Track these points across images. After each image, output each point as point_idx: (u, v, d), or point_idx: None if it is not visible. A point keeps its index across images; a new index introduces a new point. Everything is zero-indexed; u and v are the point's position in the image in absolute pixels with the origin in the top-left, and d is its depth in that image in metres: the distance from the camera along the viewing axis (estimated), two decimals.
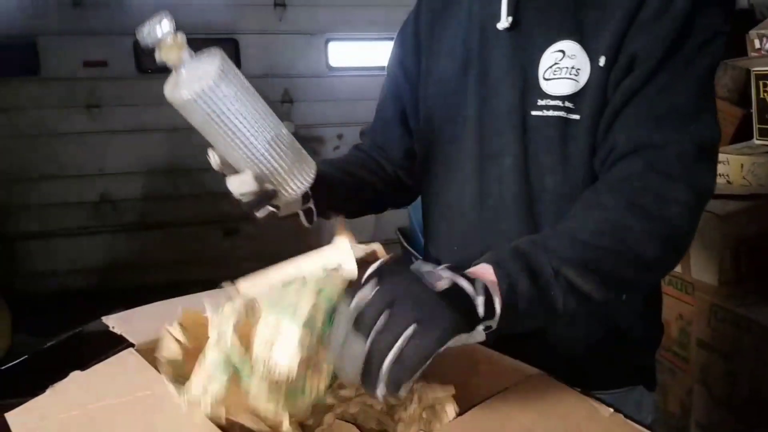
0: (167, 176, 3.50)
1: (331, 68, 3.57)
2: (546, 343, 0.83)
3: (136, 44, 3.25)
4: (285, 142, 0.75)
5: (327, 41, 3.53)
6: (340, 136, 3.68)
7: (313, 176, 0.78)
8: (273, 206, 0.80)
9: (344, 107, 3.57)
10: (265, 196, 0.77)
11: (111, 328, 0.80)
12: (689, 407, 1.62)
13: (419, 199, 1.04)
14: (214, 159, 0.76)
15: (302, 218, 0.88)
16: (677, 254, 0.75)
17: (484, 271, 0.63)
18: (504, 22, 0.84)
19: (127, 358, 0.73)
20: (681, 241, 0.74)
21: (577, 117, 0.80)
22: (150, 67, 3.32)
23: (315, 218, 0.90)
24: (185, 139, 3.43)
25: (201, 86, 0.68)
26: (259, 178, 0.75)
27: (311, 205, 0.87)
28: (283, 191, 0.77)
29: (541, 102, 0.82)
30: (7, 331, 2.53)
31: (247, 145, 0.72)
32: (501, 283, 0.62)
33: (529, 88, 0.83)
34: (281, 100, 3.52)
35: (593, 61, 0.78)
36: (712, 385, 1.56)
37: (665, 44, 0.74)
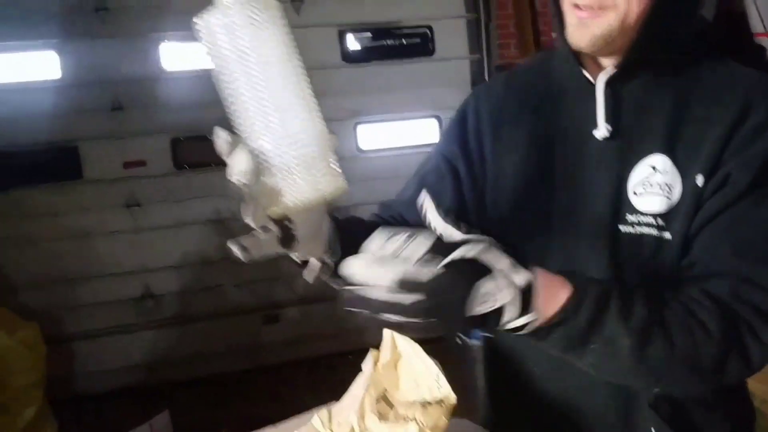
0: (205, 268, 3.53)
1: (361, 150, 3.62)
2: None
3: (174, 142, 3.36)
4: (317, 131, 0.64)
5: (356, 125, 3.59)
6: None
7: (335, 190, 0.66)
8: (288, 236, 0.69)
9: (376, 186, 3.59)
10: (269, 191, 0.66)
11: None
12: None
13: None
14: (223, 137, 0.63)
15: (316, 266, 0.76)
16: (733, 379, 0.74)
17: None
18: (603, 130, 0.80)
19: None
20: (744, 372, 0.72)
21: (668, 236, 0.77)
22: (186, 163, 3.40)
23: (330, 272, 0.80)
24: (223, 229, 3.50)
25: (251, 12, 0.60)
26: (260, 166, 0.63)
27: (328, 259, 0.75)
28: (293, 194, 0.64)
29: (631, 217, 0.79)
30: None
31: (275, 108, 0.61)
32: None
33: (619, 201, 0.79)
34: None
35: (686, 178, 0.76)
36: None
37: (759, 164, 0.72)
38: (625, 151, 0.80)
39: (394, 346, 0.83)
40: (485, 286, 0.60)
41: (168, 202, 3.41)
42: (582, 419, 0.85)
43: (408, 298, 0.58)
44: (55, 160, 3.23)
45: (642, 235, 0.78)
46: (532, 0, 3.62)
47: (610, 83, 0.80)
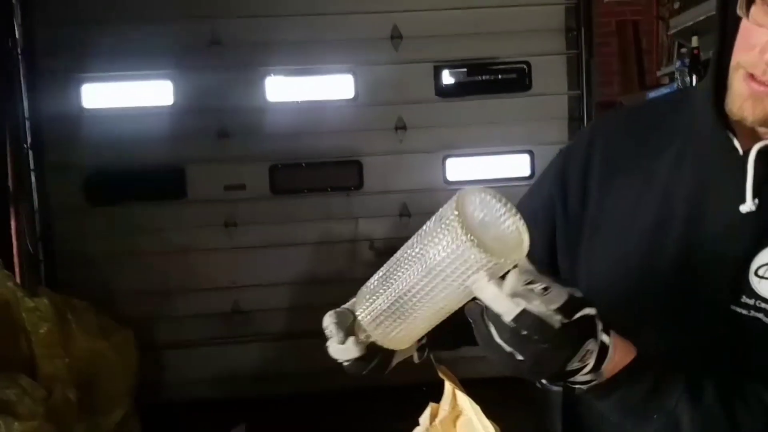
0: (294, 287, 3.65)
1: (448, 182, 3.63)
2: None
3: (272, 168, 3.53)
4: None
5: (444, 158, 3.61)
6: None
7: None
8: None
9: None
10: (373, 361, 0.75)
11: None
12: None
13: None
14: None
15: (415, 357, 0.82)
16: None
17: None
18: (750, 204, 0.72)
19: None
20: None
21: None
22: (281, 188, 3.56)
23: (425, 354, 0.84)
24: (310, 253, 3.62)
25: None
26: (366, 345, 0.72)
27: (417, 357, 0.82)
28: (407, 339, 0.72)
29: (747, 300, 0.72)
30: None
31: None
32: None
33: (739, 282, 0.72)
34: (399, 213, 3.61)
35: None
36: None
37: None
38: (762, 229, 0.72)
39: (455, 402, 0.78)
40: (590, 344, 0.62)
41: (263, 224, 3.57)
42: None
43: (529, 340, 0.60)
44: (164, 180, 3.49)
45: (757, 321, 0.71)
46: (637, 37, 3.49)
47: (760, 154, 0.73)
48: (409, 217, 3.61)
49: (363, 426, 2.92)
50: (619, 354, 0.64)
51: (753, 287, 0.71)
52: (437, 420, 0.79)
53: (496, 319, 0.61)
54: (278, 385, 3.52)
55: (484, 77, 3.55)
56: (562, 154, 0.92)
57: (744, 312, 0.71)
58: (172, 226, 3.52)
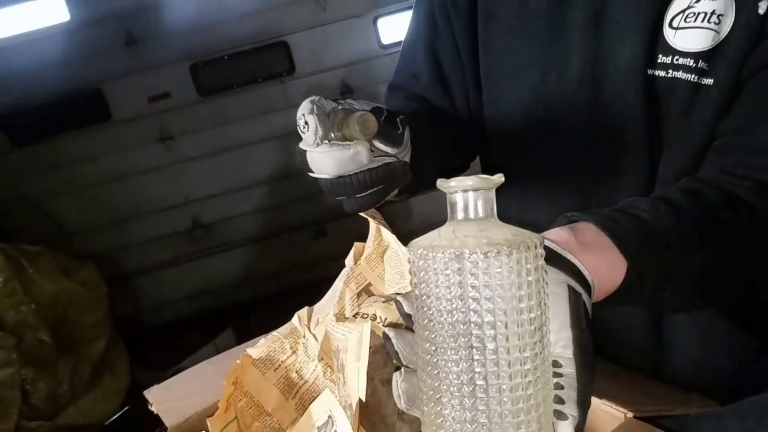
0: (248, 191, 3.54)
1: (384, 47, 3.44)
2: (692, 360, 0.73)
3: (193, 68, 3.29)
4: None
5: (375, 19, 3.41)
6: None
7: None
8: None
9: None
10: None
11: (150, 406, 0.77)
12: None
13: None
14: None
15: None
16: None
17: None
18: None
19: None
20: None
21: (709, 82, 0.62)
22: (210, 88, 3.34)
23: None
24: (258, 152, 3.47)
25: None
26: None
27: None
28: None
29: (664, 59, 0.64)
30: (126, 371, 2.64)
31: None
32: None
33: (654, 40, 0.64)
34: (341, 92, 3.46)
35: (741, 3, 0.60)
36: None
37: None
38: None
39: (380, 238, 0.75)
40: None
41: (200, 131, 3.39)
42: (614, 322, 0.76)
43: None
44: (82, 105, 3.23)
45: (675, 80, 0.63)
46: None
47: None
48: (352, 93, 3.46)
49: None
50: (603, 265, 0.52)
51: (668, 41, 0.63)
52: (362, 258, 0.74)
53: None
54: (254, 289, 3.49)
55: None
56: None
57: (661, 74, 0.64)
58: (105, 151, 3.31)
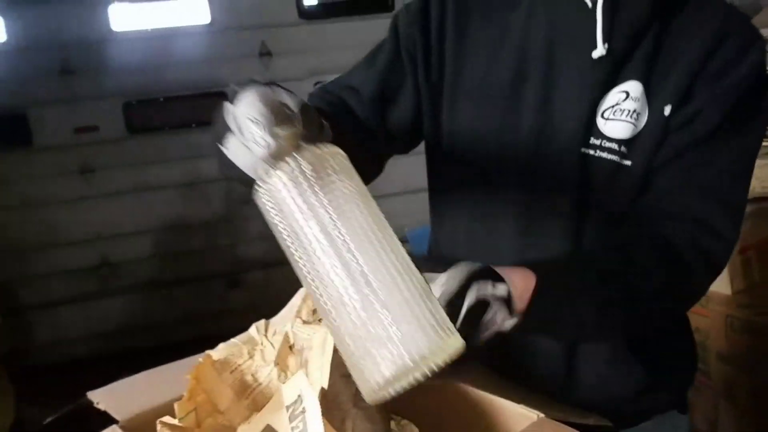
0: (163, 234, 3.48)
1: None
2: (585, 385, 0.84)
3: (126, 106, 3.28)
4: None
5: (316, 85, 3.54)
6: None
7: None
8: None
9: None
10: None
11: (96, 404, 0.77)
12: (716, 424, 1.57)
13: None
14: None
15: None
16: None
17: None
18: (600, 49, 0.76)
19: None
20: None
21: (628, 163, 0.77)
22: (140, 127, 3.33)
23: None
24: (180, 196, 3.45)
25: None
26: None
27: None
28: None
29: (595, 141, 0.78)
30: (10, 407, 2.47)
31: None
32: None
33: (589, 125, 0.78)
34: None
35: (654, 107, 0.75)
36: (737, 399, 1.51)
37: (730, 103, 0.73)
38: (610, 74, 0.77)
39: None
40: (487, 318, 0.60)
41: (123, 168, 3.34)
42: (529, 351, 0.86)
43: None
44: (4, 126, 3.13)
45: (602, 159, 0.77)
46: None
47: (607, 2, 0.75)
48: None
49: None
50: (517, 279, 0.63)
51: (599, 128, 0.78)
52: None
53: None
54: (159, 335, 3.37)
55: None
56: (405, 13, 0.87)
57: (591, 153, 0.78)
58: (19, 177, 3.20)
